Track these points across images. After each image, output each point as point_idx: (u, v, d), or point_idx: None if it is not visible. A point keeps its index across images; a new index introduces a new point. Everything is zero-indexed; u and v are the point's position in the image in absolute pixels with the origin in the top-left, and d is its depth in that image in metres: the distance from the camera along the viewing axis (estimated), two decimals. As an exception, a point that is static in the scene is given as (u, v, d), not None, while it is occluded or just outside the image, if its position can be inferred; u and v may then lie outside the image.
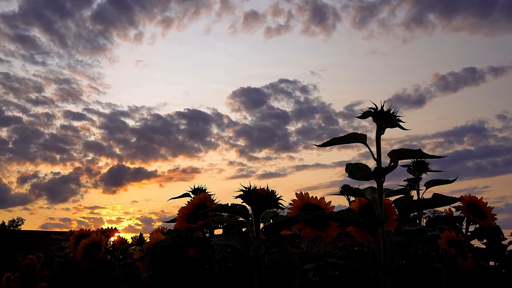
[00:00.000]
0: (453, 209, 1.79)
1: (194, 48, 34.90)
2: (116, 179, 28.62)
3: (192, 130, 31.56)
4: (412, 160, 2.04)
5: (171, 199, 1.88)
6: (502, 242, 1.92)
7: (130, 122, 33.04)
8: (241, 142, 31.49)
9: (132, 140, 31.02)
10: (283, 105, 32.18)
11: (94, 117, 32.93)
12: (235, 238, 1.33)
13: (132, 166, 30.18)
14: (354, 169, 1.37)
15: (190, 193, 1.83)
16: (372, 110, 1.28)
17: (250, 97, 32.12)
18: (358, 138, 1.33)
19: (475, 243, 1.87)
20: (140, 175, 29.24)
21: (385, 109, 1.28)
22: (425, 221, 1.93)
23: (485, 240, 1.92)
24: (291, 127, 31.57)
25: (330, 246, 2.16)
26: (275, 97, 32.09)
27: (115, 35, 30.48)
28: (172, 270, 1.62)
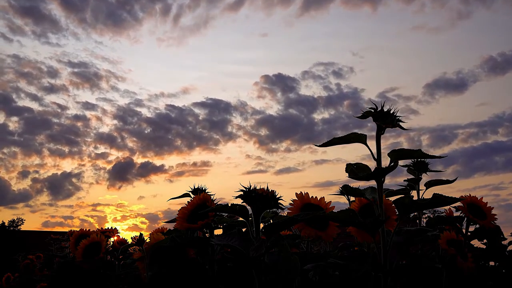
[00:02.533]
0: (453, 209, 1.79)
1: (222, 25, 30.50)
2: (124, 174, 27.06)
3: (210, 120, 29.12)
4: (412, 160, 2.04)
5: (171, 199, 1.89)
6: (502, 242, 1.92)
7: (146, 112, 30.48)
8: (262, 133, 29.20)
9: (146, 132, 28.84)
10: (314, 91, 29.33)
11: (109, 107, 30.86)
12: (235, 238, 1.33)
13: (143, 160, 28.35)
14: (354, 169, 1.37)
15: (190, 193, 1.83)
16: (372, 110, 1.29)
17: (277, 83, 29.24)
18: (358, 138, 1.33)
19: (475, 243, 1.87)
20: (150, 169, 27.47)
21: (385, 109, 1.28)
22: (425, 221, 1.93)
23: (485, 240, 1.92)
24: (318, 116, 29.03)
25: (330, 246, 2.16)
26: (305, 82, 29.30)
27: (138, 10, 27.78)
28: (172, 270, 1.62)
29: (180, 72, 34.52)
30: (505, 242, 1.93)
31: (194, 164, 28.04)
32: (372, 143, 1.33)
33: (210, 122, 29.06)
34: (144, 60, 34.08)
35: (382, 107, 1.28)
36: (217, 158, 29.29)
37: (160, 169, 27.73)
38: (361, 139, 1.33)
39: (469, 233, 1.76)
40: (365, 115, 1.30)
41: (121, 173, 26.76)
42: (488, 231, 1.79)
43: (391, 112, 1.28)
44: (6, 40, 26.58)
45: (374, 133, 1.32)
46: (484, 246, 1.92)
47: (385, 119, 1.28)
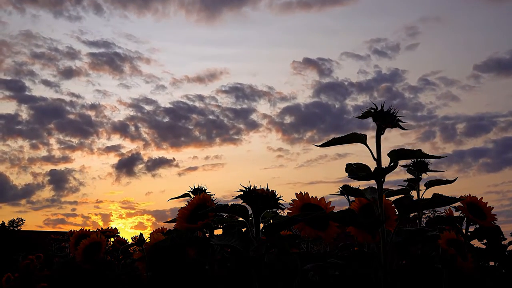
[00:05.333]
0: (453, 209, 1.79)
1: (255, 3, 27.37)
2: (131, 168, 25.06)
3: (233, 108, 26.41)
4: (412, 160, 2.04)
5: (170, 199, 1.89)
6: (502, 242, 1.92)
7: (165, 100, 28.72)
8: (287, 122, 26.45)
9: (163, 122, 26.41)
10: (352, 74, 26.60)
11: (124, 95, 29.00)
12: (235, 238, 1.33)
13: (153, 154, 26.37)
14: (354, 169, 1.37)
15: (190, 193, 1.83)
16: (372, 110, 1.29)
17: (311, 66, 26.33)
18: (357, 138, 1.33)
19: (475, 243, 1.87)
20: (160, 163, 25.58)
21: (385, 109, 1.28)
22: (425, 221, 1.93)
23: (485, 240, 1.91)
24: (351, 102, 25.57)
25: (330, 246, 2.15)
26: (343, 63, 26.18)
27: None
28: (172, 270, 1.62)
29: (207, 53, 32.05)
30: (505, 242, 1.93)
31: (209, 157, 26.12)
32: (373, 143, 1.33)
33: (233, 111, 26.42)
34: (170, 39, 31.51)
35: (382, 107, 1.28)
36: (237, 150, 26.95)
37: (170, 163, 25.82)
38: (361, 139, 1.33)
39: (469, 233, 1.76)
40: (364, 115, 1.30)
41: (128, 167, 25.09)
42: (488, 231, 1.79)
43: (391, 112, 1.28)
44: (18, 10, 24.42)
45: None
46: (484, 246, 1.92)
47: (384, 119, 1.28)
